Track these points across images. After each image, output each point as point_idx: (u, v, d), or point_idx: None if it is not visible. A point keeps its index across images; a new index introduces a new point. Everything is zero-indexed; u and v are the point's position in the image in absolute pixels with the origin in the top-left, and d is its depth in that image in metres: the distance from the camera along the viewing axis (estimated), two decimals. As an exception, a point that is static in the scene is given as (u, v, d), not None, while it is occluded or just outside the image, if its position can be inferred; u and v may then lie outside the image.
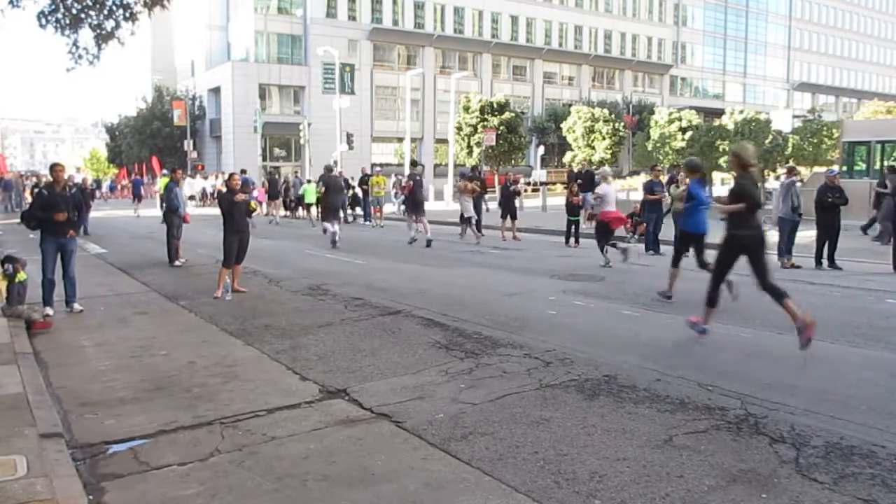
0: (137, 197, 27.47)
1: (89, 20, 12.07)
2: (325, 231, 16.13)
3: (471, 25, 59.25)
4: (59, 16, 11.82)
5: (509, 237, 17.48)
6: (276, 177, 30.02)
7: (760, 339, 6.80)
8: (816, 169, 30.96)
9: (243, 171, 22.64)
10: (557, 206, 17.70)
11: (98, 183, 31.31)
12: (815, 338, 6.74)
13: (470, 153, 42.45)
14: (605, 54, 66.54)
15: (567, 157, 46.58)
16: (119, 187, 48.51)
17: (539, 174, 50.56)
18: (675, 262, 8.90)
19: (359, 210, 25.72)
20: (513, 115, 43.65)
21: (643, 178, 35.43)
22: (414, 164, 15.97)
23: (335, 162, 33.19)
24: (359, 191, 25.54)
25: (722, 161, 34.98)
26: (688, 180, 9.37)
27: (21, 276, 8.20)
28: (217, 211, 10.63)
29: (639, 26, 68.48)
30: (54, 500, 3.39)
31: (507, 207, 17.71)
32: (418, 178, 16.67)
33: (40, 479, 3.61)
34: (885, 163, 20.33)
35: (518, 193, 19.42)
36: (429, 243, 15.20)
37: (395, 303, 8.78)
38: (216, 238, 11.27)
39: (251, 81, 49.54)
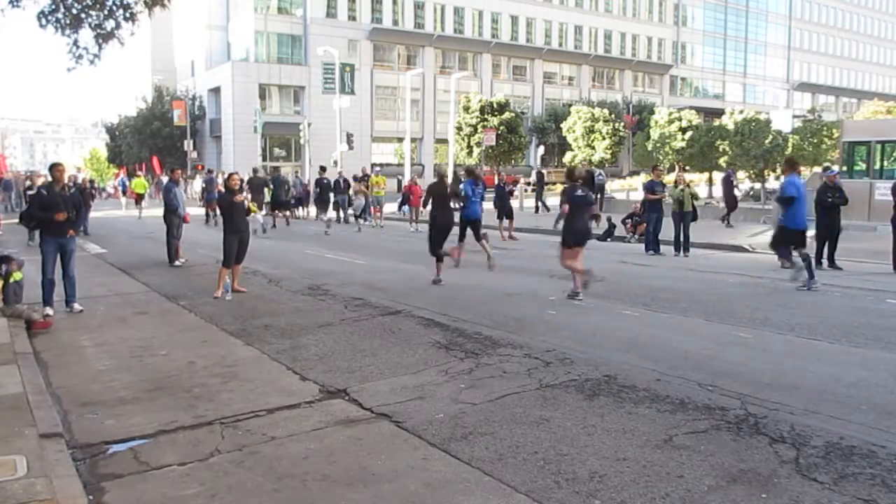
0: (125, 195, 27.96)
1: (89, 20, 12.08)
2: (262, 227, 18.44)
3: (471, 25, 59.25)
4: (60, 16, 11.82)
5: (507, 237, 17.49)
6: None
7: (760, 339, 6.80)
8: (816, 169, 30.96)
9: (255, 171, 22.79)
10: (557, 206, 17.71)
11: (92, 184, 32.08)
12: (815, 338, 6.76)
13: (470, 153, 42.48)
14: (605, 54, 66.55)
15: (567, 157, 46.57)
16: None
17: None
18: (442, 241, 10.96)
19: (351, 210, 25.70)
20: (513, 115, 43.69)
21: (643, 178, 35.44)
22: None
23: (335, 162, 33.26)
24: (352, 190, 25.63)
25: (722, 161, 35.00)
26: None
27: (16, 276, 8.17)
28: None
29: (639, 26, 68.50)
30: (54, 500, 3.39)
31: (503, 208, 17.72)
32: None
33: (40, 479, 3.61)
34: (885, 163, 20.35)
35: (511, 193, 19.44)
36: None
37: (395, 303, 8.78)
38: (216, 238, 11.28)
39: (251, 81, 49.55)
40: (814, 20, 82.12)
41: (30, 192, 16.40)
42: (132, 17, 12.29)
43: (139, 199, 27.09)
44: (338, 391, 5.34)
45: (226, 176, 11.99)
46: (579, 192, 9.07)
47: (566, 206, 9.13)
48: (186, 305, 9.00)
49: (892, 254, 11.44)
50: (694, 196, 14.64)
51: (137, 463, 4.08)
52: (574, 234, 9.00)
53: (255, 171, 22.85)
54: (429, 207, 11.21)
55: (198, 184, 34.62)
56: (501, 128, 41.39)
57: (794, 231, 9.87)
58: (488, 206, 18.97)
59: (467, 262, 12.89)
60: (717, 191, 42.60)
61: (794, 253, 10.05)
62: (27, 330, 7.39)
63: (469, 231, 11.99)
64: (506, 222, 17.72)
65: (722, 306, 8.46)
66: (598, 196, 22.49)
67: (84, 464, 4.09)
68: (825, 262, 12.05)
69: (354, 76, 41.65)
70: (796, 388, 5.21)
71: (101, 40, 12.17)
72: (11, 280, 8.07)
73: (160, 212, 13.97)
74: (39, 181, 13.34)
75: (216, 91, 52.68)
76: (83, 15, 12.00)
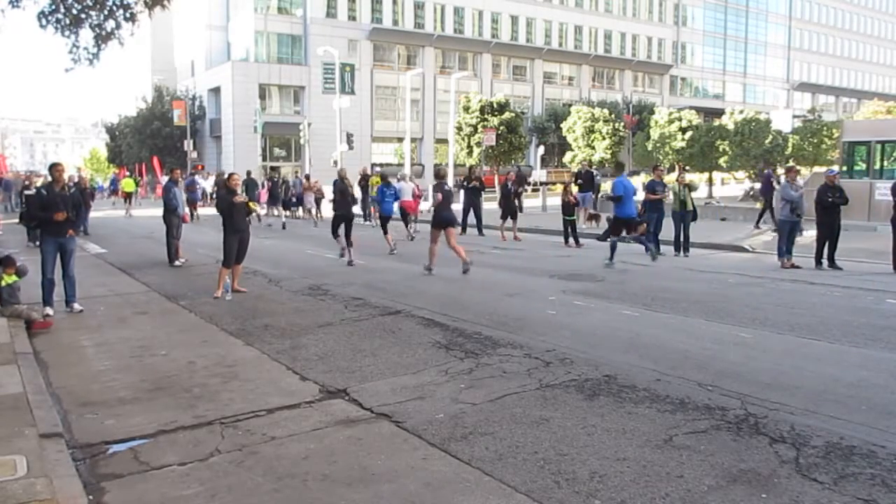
0: (115, 194, 28.56)
1: (89, 20, 12.09)
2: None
3: (471, 25, 59.25)
4: (60, 16, 11.83)
5: (509, 237, 17.48)
6: (277, 178, 30.22)
7: (760, 339, 6.80)
8: (816, 169, 30.95)
9: (248, 173, 23.06)
10: (558, 206, 17.69)
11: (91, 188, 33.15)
12: (815, 338, 6.76)
13: (470, 153, 42.47)
14: (605, 54, 66.55)
15: (567, 157, 46.58)
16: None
17: (539, 174, 50.58)
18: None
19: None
20: (513, 115, 43.66)
21: (643, 178, 35.43)
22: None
23: (335, 162, 33.26)
24: (358, 190, 25.62)
25: (722, 161, 35.00)
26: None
27: (7, 279, 8.08)
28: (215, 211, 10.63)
29: (639, 26, 68.49)
30: (54, 500, 3.39)
31: (508, 208, 17.70)
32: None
33: (40, 479, 3.61)
34: (885, 163, 20.35)
35: (518, 195, 19.40)
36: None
37: (395, 303, 8.78)
38: (216, 238, 11.28)
39: (251, 81, 49.55)
40: (814, 20, 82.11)
41: (27, 193, 16.45)
42: (132, 18, 12.30)
43: (127, 197, 28.90)
44: (338, 391, 5.34)
45: (210, 177, 12.40)
46: (447, 188, 11.89)
47: (440, 196, 11.58)
48: (186, 305, 9.00)
49: (892, 254, 11.44)
50: (690, 188, 14.58)
51: (137, 463, 4.08)
52: (440, 220, 11.55)
53: (248, 173, 24.15)
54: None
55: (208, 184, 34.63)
56: (501, 128, 41.37)
57: (623, 219, 12.94)
58: (489, 206, 19.07)
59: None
60: (718, 191, 42.64)
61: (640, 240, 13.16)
62: (27, 330, 7.39)
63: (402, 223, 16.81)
64: (509, 222, 17.71)
65: (722, 306, 8.46)
66: (595, 195, 22.50)
67: (84, 464, 4.09)
68: (825, 262, 12.05)
69: (354, 76, 41.65)
70: (796, 388, 5.21)
71: (100, 40, 12.18)
72: (3, 283, 8.00)
73: (148, 212, 14.00)
74: (39, 181, 13.34)
75: (216, 91, 52.69)
76: (83, 15, 12.01)
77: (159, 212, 13.16)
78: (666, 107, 44.72)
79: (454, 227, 12.02)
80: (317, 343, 6.85)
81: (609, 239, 13.06)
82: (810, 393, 5.08)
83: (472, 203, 19.06)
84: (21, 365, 5.86)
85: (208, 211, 23.96)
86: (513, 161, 44.10)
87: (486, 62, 59.78)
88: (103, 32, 12.17)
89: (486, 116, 42.38)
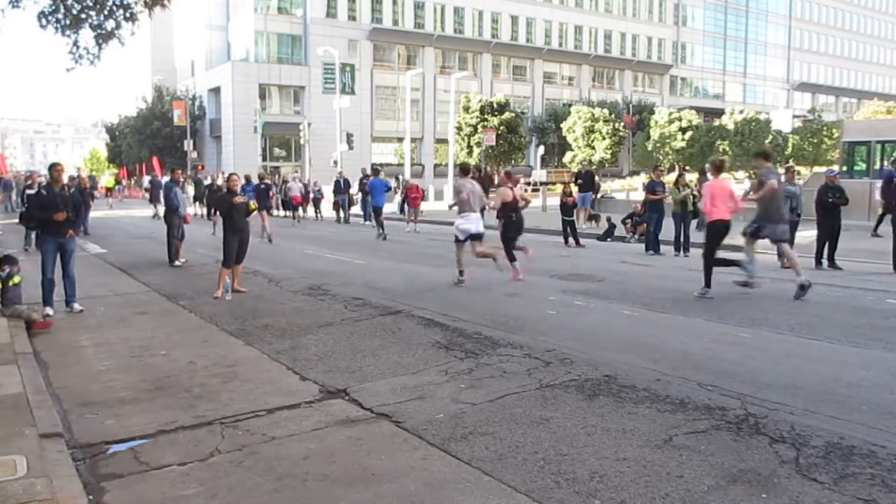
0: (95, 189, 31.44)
1: (89, 20, 12.08)
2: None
3: (471, 25, 59.25)
4: (60, 16, 11.83)
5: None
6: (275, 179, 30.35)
7: (760, 339, 6.80)
8: (817, 169, 30.96)
9: (262, 178, 22.77)
10: (558, 206, 17.71)
11: (93, 180, 35.12)
12: (815, 338, 6.76)
13: (470, 153, 42.51)
14: (605, 54, 66.56)
15: (567, 157, 46.58)
16: (121, 187, 49.42)
17: (539, 174, 50.57)
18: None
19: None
20: (513, 115, 43.70)
21: (643, 178, 35.43)
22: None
23: (335, 162, 33.25)
24: (357, 190, 25.65)
25: (722, 161, 34.95)
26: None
27: (16, 279, 8.12)
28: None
29: (639, 26, 68.49)
30: (54, 500, 3.39)
31: None
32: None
33: (40, 479, 3.61)
34: (885, 163, 20.34)
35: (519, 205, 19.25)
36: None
37: (395, 303, 8.78)
38: (216, 238, 11.27)
39: (251, 81, 49.55)
40: (814, 20, 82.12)
41: (28, 192, 16.45)
42: (132, 17, 12.30)
43: (108, 192, 34.70)
44: (338, 391, 5.34)
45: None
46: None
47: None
48: (186, 305, 9.00)
49: (892, 254, 11.44)
50: (694, 194, 14.64)
51: (137, 463, 4.08)
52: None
53: (261, 177, 24.31)
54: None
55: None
56: (501, 128, 41.41)
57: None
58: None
59: (467, 262, 12.88)
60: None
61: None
62: (27, 330, 7.39)
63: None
64: None
65: (722, 306, 8.46)
66: (595, 195, 22.52)
67: (84, 464, 4.09)
68: (825, 262, 12.05)
69: (354, 76, 41.66)
70: (796, 388, 5.21)
71: (101, 40, 12.17)
72: (11, 283, 8.02)
73: (140, 213, 14.04)
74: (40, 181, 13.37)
75: (216, 91, 52.69)
76: (83, 15, 12.00)
77: (145, 212, 13.20)
78: (666, 107, 44.76)
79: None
80: (317, 343, 6.85)
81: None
82: (810, 393, 5.08)
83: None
84: (21, 365, 5.86)
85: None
86: (513, 161, 44.14)
87: (486, 62, 59.79)
88: (103, 32, 12.16)
89: (486, 116, 42.41)
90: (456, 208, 10.62)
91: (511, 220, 10.84)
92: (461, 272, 10.38)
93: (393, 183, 20.12)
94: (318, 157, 38.86)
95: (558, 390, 5.22)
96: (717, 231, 9.44)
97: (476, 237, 10.39)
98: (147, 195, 28.79)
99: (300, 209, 26.50)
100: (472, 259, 10.73)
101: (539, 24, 62.46)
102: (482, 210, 10.69)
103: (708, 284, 9.20)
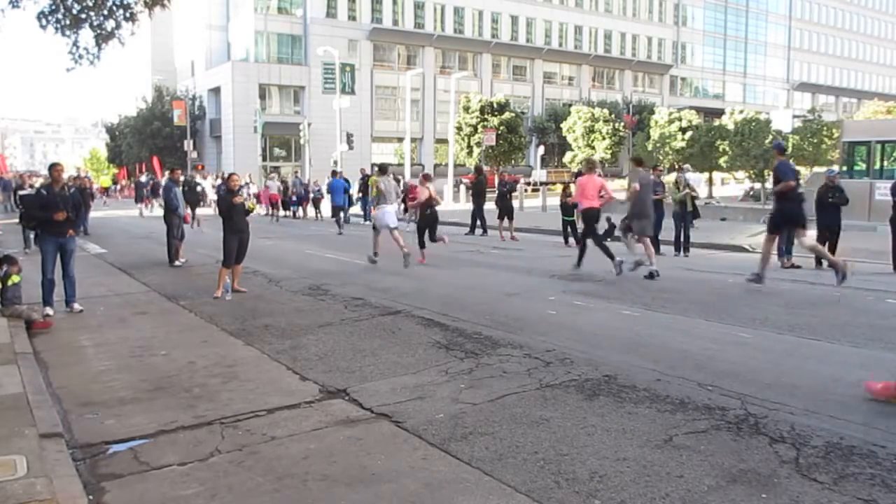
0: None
1: (89, 20, 12.08)
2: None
3: (471, 25, 59.26)
4: (60, 16, 11.83)
5: (508, 237, 17.47)
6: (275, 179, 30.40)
7: (760, 339, 6.80)
8: (816, 169, 30.97)
9: (276, 173, 23.28)
10: (557, 206, 17.72)
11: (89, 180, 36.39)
12: (815, 338, 6.76)
13: (470, 153, 42.51)
14: (605, 54, 66.57)
15: (567, 157, 46.59)
16: (120, 187, 49.66)
17: (539, 174, 50.59)
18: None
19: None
20: (513, 115, 43.70)
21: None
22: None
23: (335, 162, 33.24)
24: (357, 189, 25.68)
25: (722, 161, 35.00)
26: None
27: (15, 278, 8.11)
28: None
29: (639, 26, 68.50)
30: (54, 500, 3.39)
31: (504, 208, 17.70)
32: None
33: (40, 479, 3.61)
34: (885, 163, 20.35)
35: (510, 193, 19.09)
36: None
37: (395, 303, 8.78)
38: (216, 238, 11.28)
39: (251, 81, 49.56)
40: (814, 20, 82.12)
41: (21, 193, 16.46)
42: (132, 18, 12.30)
43: (104, 191, 37.94)
44: (338, 391, 5.34)
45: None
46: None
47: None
48: (186, 305, 9.00)
49: (892, 254, 11.43)
50: (693, 195, 14.66)
51: (137, 463, 4.08)
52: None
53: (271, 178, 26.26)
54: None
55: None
56: (501, 128, 41.40)
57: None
58: (489, 206, 19.06)
59: (467, 262, 12.90)
60: (718, 191, 42.57)
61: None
62: (27, 330, 7.39)
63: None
64: (506, 222, 17.70)
65: (722, 306, 8.46)
66: None
67: (84, 464, 4.09)
68: (825, 262, 12.03)
69: (354, 76, 41.67)
70: (796, 388, 5.20)
71: (100, 41, 12.17)
72: (9, 283, 8.01)
73: (127, 212, 14.06)
74: (37, 182, 13.38)
75: (216, 91, 52.69)
76: (83, 15, 12.00)
77: (145, 212, 13.15)
78: (666, 107, 44.77)
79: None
80: (317, 343, 6.85)
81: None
82: (810, 393, 5.08)
83: (476, 206, 19.04)
84: (21, 365, 5.86)
85: (210, 211, 23.98)
86: (513, 161, 44.15)
87: (486, 62, 59.80)
88: (103, 32, 12.16)
89: (486, 116, 42.41)
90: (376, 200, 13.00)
91: (426, 214, 13.31)
92: (376, 254, 12.58)
93: (383, 185, 20.05)
94: (318, 157, 38.87)
95: (558, 390, 5.22)
96: (590, 217, 11.43)
97: (393, 228, 12.61)
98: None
99: (300, 209, 26.60)
100: (469, 258, 10.86)
101: (539, 24, 62.47)
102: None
103: (611, 257, 10.89)
